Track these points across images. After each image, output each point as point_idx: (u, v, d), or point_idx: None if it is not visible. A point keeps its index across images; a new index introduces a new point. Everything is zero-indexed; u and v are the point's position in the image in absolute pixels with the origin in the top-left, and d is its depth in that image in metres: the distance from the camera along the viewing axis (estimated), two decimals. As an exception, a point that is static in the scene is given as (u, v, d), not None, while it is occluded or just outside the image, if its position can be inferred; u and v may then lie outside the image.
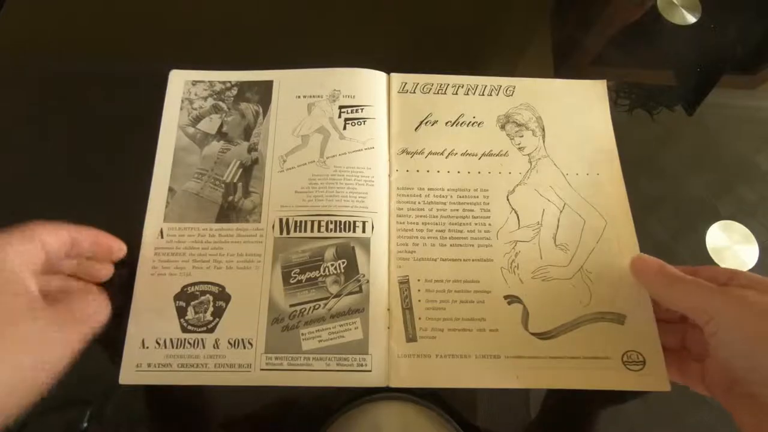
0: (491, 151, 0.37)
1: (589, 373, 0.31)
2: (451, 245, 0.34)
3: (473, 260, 0.34)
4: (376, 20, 0.46)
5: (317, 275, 0.33)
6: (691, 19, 0.46)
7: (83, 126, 0.39)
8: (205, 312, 0.32)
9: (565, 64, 0.44)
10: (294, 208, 0.35)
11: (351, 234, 0.34)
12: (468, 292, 0.33)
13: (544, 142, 0.38)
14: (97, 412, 0.31)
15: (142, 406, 0.32)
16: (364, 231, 0.34)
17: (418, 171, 0.37)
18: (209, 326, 0.32)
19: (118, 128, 0.39)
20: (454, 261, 0.34)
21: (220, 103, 0.39)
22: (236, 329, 0.32)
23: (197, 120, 0.38)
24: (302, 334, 0.32)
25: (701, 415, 0.32)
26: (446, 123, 0.38)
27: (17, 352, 0.23)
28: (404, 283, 0.33)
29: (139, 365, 0.31)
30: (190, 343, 0.31)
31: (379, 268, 0.33)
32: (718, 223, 0.38)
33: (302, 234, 0.34)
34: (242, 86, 0.39)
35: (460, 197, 0.36)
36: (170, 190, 0.35)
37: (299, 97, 0.39)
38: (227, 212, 0.35)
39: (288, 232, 0.34)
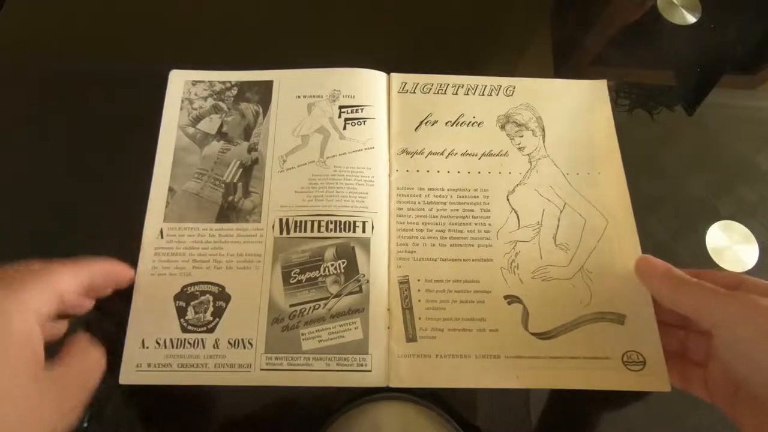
0: (491, 151, 0.37)
1: (589, 373, 0.31)
2: (451, 245, 0.34)
3: (473, 260, 0.34)
4: (376, 20, 0.46)
5: (317, 275, 0.33)
6: (691, 19, 0.46)
7: (83, 126, 0.39)
8: (205, 312, 0.32)
9: (565, 64, 0.44)
10: (294, 208, 0.35)
11: (351, 234, 0.34)
12: (468, 292, 0.33)
13: (544, 142, 0.38)
14: (97, 412, 0.31)
15: (142, 406, 0.32)
16: (364, 231, 0.34)
17: (418, 171, 0.37)
18: (209, 326, 0.32)
19: (118, 128, 0.39)
20: (454, 261, 0.34)
21: (220, 103, 0.39)
22: (236, 329, 0.32)
23: (197, 120, 0.38)
24: (302, 334, 0.32)
25: (701, 415, 0.32)
26: (446, 123, 0.38)
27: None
28: (404, 283, 0.33)
29: (139, 365, 0.31)
30: (190, 343, 0.31)
31: (379, 268, 0.33)
32: (718, 223, 0.38)
33: (302, 234, 0.34)
34: (242, 86, 0.39)
35: (460, 197, 0.36)
36: (170, 190, 0.35)
37: (299, 97, 0.39)
38: (227, 212, 0.35)
39: (288, 232, 0.34)
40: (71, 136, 0.39)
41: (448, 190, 0.36)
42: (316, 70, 0.39)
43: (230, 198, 0.35)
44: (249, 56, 0.42)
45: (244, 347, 0.31)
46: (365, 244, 0.34)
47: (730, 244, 0.37)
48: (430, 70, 0.40)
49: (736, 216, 0.38)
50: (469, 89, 0.39)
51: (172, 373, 0.31)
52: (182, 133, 0.37)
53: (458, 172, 0.37)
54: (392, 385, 0.31)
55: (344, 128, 0.37)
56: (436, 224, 0.35)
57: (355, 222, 0.34)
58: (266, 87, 0.39)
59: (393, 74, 0.40)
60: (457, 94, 0.39)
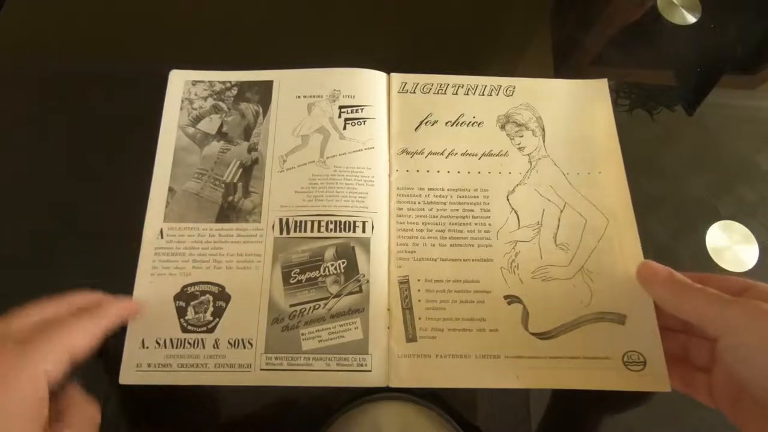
0: (491, 151, 0.37)
1: (589, 373, 0.31)
2: (451, 245, 0.34)
3: (473, 260, 0.34)
4: (376, 20, 0.46)
5: (317, 275, 0.33)
6: (691, 19, 0.46)
7: (83, 126, 0.39)
8: (205, 312, 0.32)
9: (565, 64, 0.44)
10: (294, 208, 0.35)
11: (351, 234, 0.34)
12: (468, 292, 0.33)
13: (544, 141, 0.38)
14: (97, 412, 0.31)
15: (142, 406, 0.32)
16: (364, 231, 0.34)
17: (418, 171, 0.37)
18: (209, 326, 0.32)
19: (118, 128, 0.39)
20: (454, 261, 0.34)
21: (220, 103, 0.39)
22: (236, 329, 0.32)
23: (197, 120, 0.38)
24: (302, 334, 0.32)
25: (702, 415, 0.32)
26: (446, 123, 0.38)
27: None
28: (404, 283, 0.33)
29: (139, 365, 0.31)
30: (190, 343, 0.31)
31: (379, 268, 0.33)
32: (718, 223, 0.38)
33: (302, 234, 0.34)
34: (242, 86, 0.39)
35: (460, 197, 0.36)
36: (170, 190, 0.35)
37: (299, 97, 0.39)
38: (227, 212, 0.35)
39: (288, 232, 0.34)
40: (71, 136, 0.39)
41: (448, 190, 0.36)
42: (316, 70, 0.39)
43: (230, 198, 0.35)
44: (249, 56, 0.42)
45: (244, 347, 0.31)
46: (365, 244, 0.34)
47: (730, 244, 0.37)
48: (430, 70, 0.40)
49: (736, 216, 0.38)
50: (469, 89, 0.39)
51: (172, 373, 0.31)
52: (182, 133, 0.37)
53: (458, 172, 0.37)
54: (392, 385, 0.31)
55: (344, 128, 0.37)
56: (436, 224, 0.35)
57: (355, 222, 0.34)
58: (266, 87, 0.39)
59: (393, 74, 0.40)
60: (457, 94, 0.39)
